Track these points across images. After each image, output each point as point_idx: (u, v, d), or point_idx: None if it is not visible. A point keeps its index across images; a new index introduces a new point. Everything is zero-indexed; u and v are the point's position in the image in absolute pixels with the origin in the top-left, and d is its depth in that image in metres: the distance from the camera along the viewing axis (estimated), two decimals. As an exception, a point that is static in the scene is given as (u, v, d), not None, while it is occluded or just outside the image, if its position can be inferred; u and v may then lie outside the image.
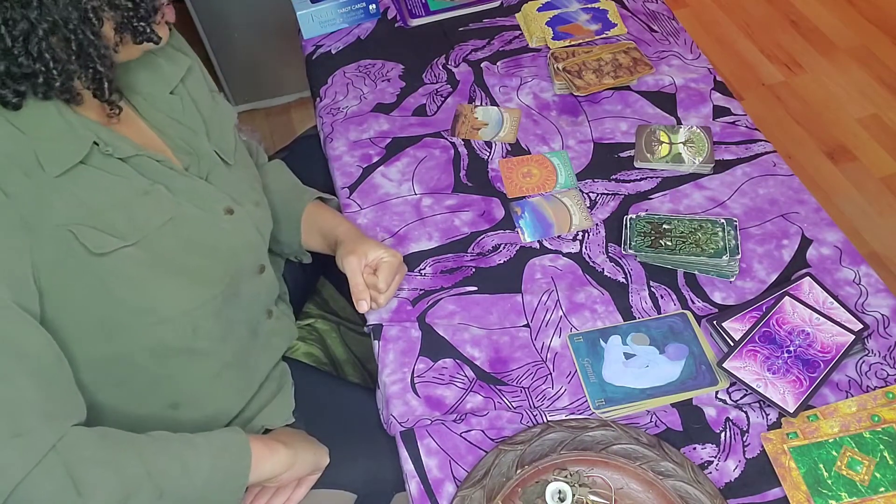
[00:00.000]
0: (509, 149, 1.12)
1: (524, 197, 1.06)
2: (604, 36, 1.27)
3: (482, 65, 1.25)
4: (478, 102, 1.19)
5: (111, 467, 0.66)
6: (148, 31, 0.73)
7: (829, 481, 0.76)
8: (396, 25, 1.35)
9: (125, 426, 0.72)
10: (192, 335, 0.79)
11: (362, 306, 0.90)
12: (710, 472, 0.79)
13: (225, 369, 0.87)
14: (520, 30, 1.31)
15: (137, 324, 0.76)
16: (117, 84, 0.77)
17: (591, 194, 1.05)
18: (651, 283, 0.95)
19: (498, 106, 1.18)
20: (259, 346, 0.93)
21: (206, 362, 0.84)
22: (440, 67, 1.25)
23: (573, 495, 0.75)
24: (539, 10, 1.32)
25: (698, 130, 1.10)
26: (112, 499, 0.65)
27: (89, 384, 0.76)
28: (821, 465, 0.78)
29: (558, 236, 1.01)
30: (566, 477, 0.77)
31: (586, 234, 1.01)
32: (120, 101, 0.77)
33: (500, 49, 1.28)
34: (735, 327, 0.88)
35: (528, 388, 0.87)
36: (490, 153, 1.12)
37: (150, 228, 0.75)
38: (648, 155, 1.08)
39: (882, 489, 0.75)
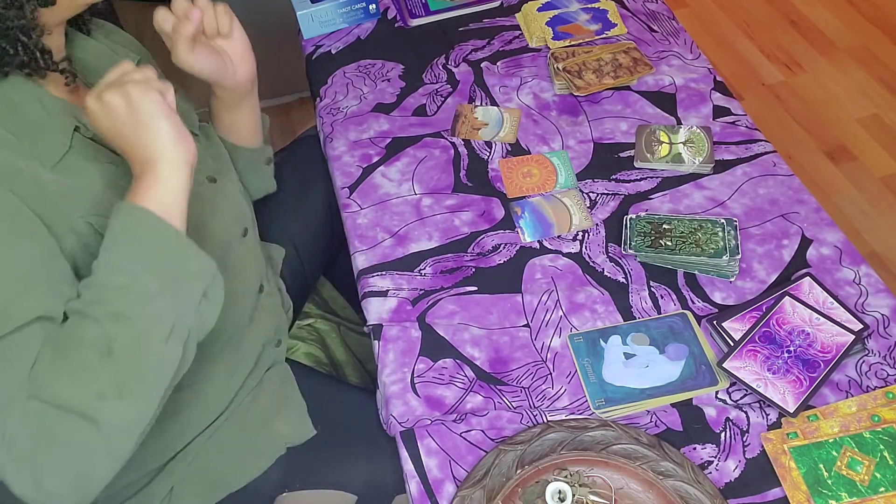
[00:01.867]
0: (509, 149, 1.12)
1: (524, 197, 1.06)
2: (604, 36, 1.27)
3: (482, 65, 1.25)
4: (478, 102, 1.19)
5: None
6: None
7: (829, 481, 0.76)
8: (396, 25, 1.35)
9: None
10: None
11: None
12: (710, 472, 0.79)
13: (227, 345, 0.88)
14: (520, 30, 1.31)
15: None
16: (62, 51, 0.76)
17: (591, 194, 1.05)
18: (651, 283, 0.95)
19: (498, 106, 1.18)
20: (253, 320, 0.94)
21: (209, 337, 0.82)
22: (440, 67, 1.25)
23: (573, 495, 0.75)
24: (539, 10, 1.32)
25: (698, 130, 1.10)
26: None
27: None
28: (821, 465, 0.78)
29: (558, 236, 1.01)
30: (566, 477, 0.77)
31: (586, 234, 1.01)
32: (69, 67, 0.75)
33: (500, 49, 1.28)
34: (735, 327, 0.88)
35: (528, 388, 0.87)
36: (490, 153, 1.12)
37: None
38: (648, 155, 1.08)
39: (882, 489, 0.75)
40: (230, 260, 0.87)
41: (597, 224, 1.02)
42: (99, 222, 0.71)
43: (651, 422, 0.83)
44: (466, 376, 0.88)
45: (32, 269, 0.66)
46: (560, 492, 0.75)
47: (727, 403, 0.84)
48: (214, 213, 0.85)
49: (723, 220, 0.97)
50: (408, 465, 0.81)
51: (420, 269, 0.98)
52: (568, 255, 0.99)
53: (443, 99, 1.20)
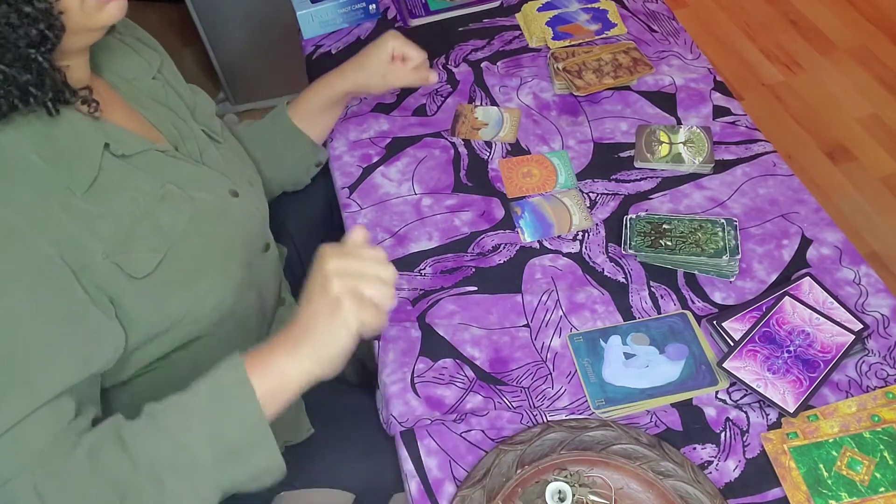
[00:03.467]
0: (509, 149, 1.12)
1: (524, 197, 1.06)
2: (604, 36, 1.27)
3: (482, 65, 1.25)
4: (478, 102, 1.19)
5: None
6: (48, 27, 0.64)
7: (829, 481, 0.76)
8: (396, 25, 1.35)
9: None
10: (218, 325, 0.80)
11: (433, 76, 1.05)
12: (710, 472, 0.79)
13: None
14: (520, 30, 1.31)
15: (176, 327, 0.76)
16: (82, 79, 0.73)
17: (591, 194, 1.05)
18: (651, 283, 0.95)
19: (498, 106, 1.18)
20: (271, 335, 0.94)
21: (227, 351, 0.83)
22: (440, 67, 1.25)
23: (573, 495, 0.75)
24: (539, 10, 1.32)
25: (698, 130, 1.10)
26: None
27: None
28: (821, 465, 0.77)
29: (558, 236, 1.01)
30: (566, 477, 0.77)
31: (586, 234, 1.01)
32: (91, 95, 0.72)
33: (500, 49, 1.28)
34: (735, 327, 0.88)
35: (528, 388, 0.87)
36: (490, 153, 1.12)
37: (177, 234, 0.75)
38: (648, 155, 1.08)
39: (882, 489, 0.75)
40: (253, 275, 0.87)
41: (597, 224, 1.02)
42: (124, 262, 0.69)
43: (651, 422, 0.83)
44: (466, 376, 0.88)
45: (59, 332, 0.64)
46: (560, 492, 0.75)
47: (727, 403, 0.84)
48: (234, 228, 0.83)
49: (723, 220, 0.97)
50: (408, 465, 0.81)
51: (420, 269, 0.98)
52: (568, 255, 0.99)
53: (443, 99, 1.20)
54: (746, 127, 1.12)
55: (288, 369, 0.65)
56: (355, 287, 0.65)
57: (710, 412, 0.83)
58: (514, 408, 0.85)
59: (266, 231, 0.94)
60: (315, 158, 1.12)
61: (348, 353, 0.66)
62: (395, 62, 1.03)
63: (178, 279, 0.74)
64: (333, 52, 1.31)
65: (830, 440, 0.79)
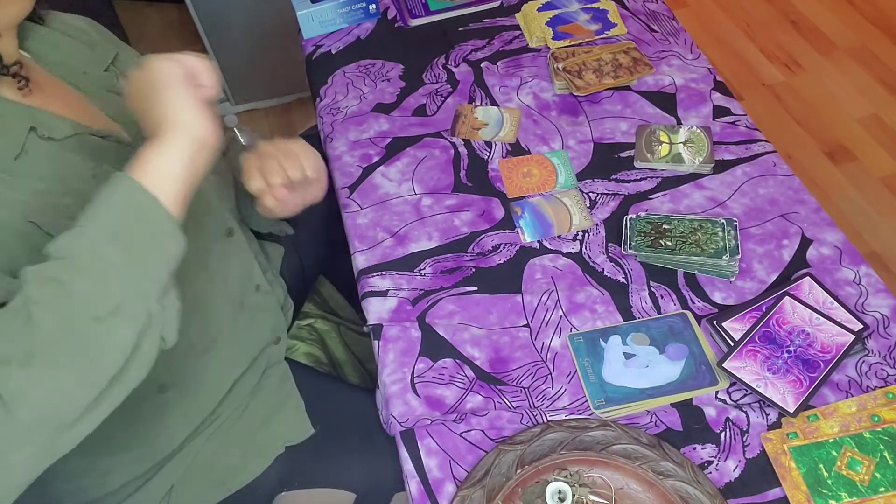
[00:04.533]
0: (509, 149, 1.12)
1: (524, 197, 1.06)
2: (604, 36, 1.27)
3: (482, 65, 1.25)
4: (478, 102, 1.19)
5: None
6: None
7: (829, 481, 0.76)
8: (396, 25, 1.35)
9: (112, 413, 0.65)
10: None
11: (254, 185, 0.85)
12: (710, 472, 0.79)
13: (211, 345, 0.86)
14: (520, 30, 1.31)
15: None
16: (14, 55, 0.72)
17: (591, 194, 1.05)
18: (651, 283, 0.95)
19: (498, 106, 1.18)
20: (245, 321, 0.93)
21: (187, 339, 0.78)
22: (440, 67, 1.25)
23: (573, 495, 0.75)
24: (539, 10, 1.32)
25: (698, 130, 1.10)
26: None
27: None
28: (821, 465, 0.77)
29: (558, 236, 1.01)
30: (566, 477, 0.77)
31: (586, 234, 1.01)
32: (21, 71, 0.71)
33: (500, 49, 1.28)
34: (735, 327, 0.88)
35: (528, 388, 0.87)
36: (490, 153, 1.12)
37: None
38: (648, 155, 1.08)
39: (882, 489, 0.75)
40: (210, 260, 0.86)
41: (597, 224, 1.02)
42: (49, 224, 0.67)
43: (651, 422, 0.83)
44: (466, 376, 0.88)
45: None
46: (560, 492, 0.75)
47: (727, 403, 0.84)
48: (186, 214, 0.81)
49: (723, 220, 0.97)
50: (408, 465, 0.81)
51: (420, 269, 0.98)
52: (568, 255, 0.99)
53: (443, 99, 1.20)
54: (746, 127, 1.12)
55: (159, 161, 0.62)
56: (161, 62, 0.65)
57: (710, 412, 0.83)
58: (514, 408, 0.85)
59: (229, 216, 0.92)
60: (277, 227, 1.08)
61: (191, 96, 0.64)
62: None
63: None
64: (333, 52, 1.31)
65: (830, 440, 0.79)
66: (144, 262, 0.60)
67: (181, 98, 0.63)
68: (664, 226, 0.98)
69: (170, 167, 0.62)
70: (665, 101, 1.16)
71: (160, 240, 0.61)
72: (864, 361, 0.86)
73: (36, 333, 0.55)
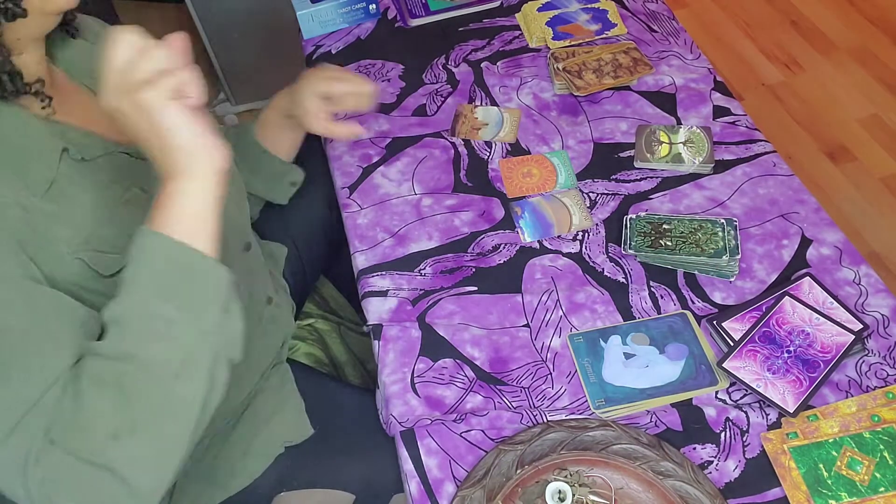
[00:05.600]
0: (509, 149, 1.12)
1: (524, 197, 1.06)
2: (604, 36, 1.27)
3: (482, 65, 1.25)
4: (478, 102, 1.19)
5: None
6: (10, 4, 0.64)
7: (829, 481, 0.76)
8: (396, 25, 1.35)
9: None
10: None
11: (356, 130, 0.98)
12: (710, 472, 0.79)
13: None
14: (520, 30, 1.31)
15: None
16: (39, 72, 0.71)
17: (591, 194, 1.05)
18: (651, 283, 0.95)
19: (498, 106, 1.18)
20: (259, 334, 0.93)
21: None
22: (440, 67, 1.25)
23: (573, 495, 0.75)
24: (539, 10, 1.32)
25: (698, 130, 1.10)
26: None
27: None
28: (821, 465, 0.78)
29: (558, 236, 1.01)
30: (566, 477, 0.77)
31: (586, 234, 1.01)
32: (43, 88, 0.70)
33: (500, 49, 1.28)
34: (735, 327, 0.88)
35: (528, 388, 0.87)
36: (490, 153, 1.12)
37: None
38: (648, 155, 1.08)
39: (882, 489, 0.75)
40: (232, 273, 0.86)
41: (597, 224, 1.02)
42: (92, 258, 0.68)
43: (651, 422, 0.83)
44: (466, 376, 0.88)
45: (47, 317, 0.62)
46: (560, 492, 0.75)
47: (727, 403, 0.84)
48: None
49: (723, 220, 0.97)
50: (408, 465, 0.81)
51: (420, 269, 0.98)
52: (568, 255, 0.99)
53: (443, 99, 1.20)
54: (746, 127, 1.12)
55: (183, 208, 0.62)
56: (131, 92, 0.59)
57: (710, 412, 0.83)
58: (514, 408, 0.85)
59: (246, 230, 0.94)
60: (289, 177, 1.09)
61: (199, 132, 0.60)
62: (324, 103, 0.97)
63: None
64: (333, 52, 1.31)
65: (830, 440, 0.79)
66: (198, 307, 0.62)
67: (186, 129, 0.60)
68: (664, 226, 0.98)
69: (197, 207, 0.62)
70: (665, 101, 1.16)
71: (205, 281, 0.63)
72: (863, 361, 0.86)
73: (132, 405, 0.59)
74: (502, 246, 1.00)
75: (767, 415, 0.82)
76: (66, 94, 0.75)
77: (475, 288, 0.96)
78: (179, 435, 0.62)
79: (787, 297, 0.90)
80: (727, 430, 0.82)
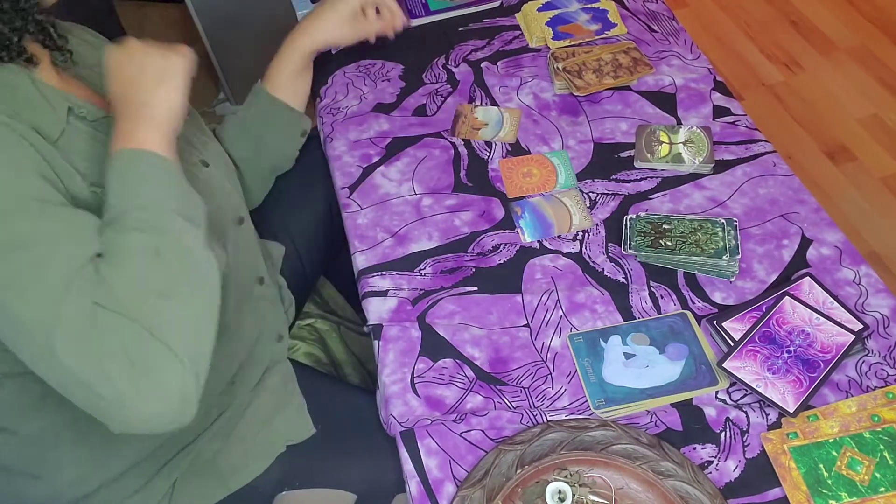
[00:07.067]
0: (509, 149, 1.12)
1: (524, 197, 1.06)
2: (604, 36, 1.27)
3: (482, 65, 1.25)
4: (478, 102, 1.19)
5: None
6: None
7: (829, 481, 0.76)
8: (396, 25, 1.35)
9: None
10: None
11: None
12: (710, 472, 0.79)
13: (221, 333, 0.87)
14: (520, 30, 1.31)
15: None
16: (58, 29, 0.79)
17: (591, 194, 1.05)
18: (651, 283, 0.95)
19: (498, 106, 1.18)
20: (248, 312, 0.94)
21: None
22: (440, 67, 1.25)
23: (573, 495, 0.75)
24: (539, 10, 1.32)
25: (698, 130, 1.10)
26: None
27: None
28: (821, 465, 0.78)
29: (558, 236, 1.01)
30: (566, 477, 0.77)
31: (586, 234, 1.01)
32: (68, 46, 0.79)
33: (500, 49, 1.28)
34: (735, 327, 0.88)
35: (528, 388, 0.87)
36: (490, 153, 1.12)
37: None
38: (648, 155, 1.08)
39: (882, 489, 0.75)
40: (226, 246, 0.88)
41: (597, 224, 1.02)
42: (103, 194, 0.72)
43: (651, 422, 0.83)
44: (466, 376, 0.88)
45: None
46: (560, 492, 0.75)
47: (727, 403, 0.84)
48: (209, 196, 0.84)
49: (723, 220, 0.97)
50: (408, 465, 0.81)
51: (420, 269, 0.98)
52: (568, 255, 0.99)
53: (443, 99, 1.20)
54: (746, 127, 1.12)
55: (159, 134, 0.73)
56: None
57: (710, 412, 0.83)
58: (514, 408, 0.85)
59: (240, 204, 0.98)
60: (300, 127, 1.14)
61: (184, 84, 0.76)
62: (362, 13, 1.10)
63: None
64: (333, 51, 1.31)
65: (830, 440, 0.79)
66: (189, 210, 0.71)
67: (180, 90, 0.75)
68: (664, 226, 0.98)
69: (171, 138, 0.74)
70: (665, 101, 1.16)
71: (168, 174, 0.72)
72: (864, 361, 0.86)
73: (173, 266, 0.66)
74: (502, 246, 1.00)
75: (767, 415, 0.82)
76: (63, 79, 0.80)
77: (475, 288, 0.96)
78: (214, 305, 0.69)
79: (787, 297, 0.90)
80: (727, 430, 0.82)
